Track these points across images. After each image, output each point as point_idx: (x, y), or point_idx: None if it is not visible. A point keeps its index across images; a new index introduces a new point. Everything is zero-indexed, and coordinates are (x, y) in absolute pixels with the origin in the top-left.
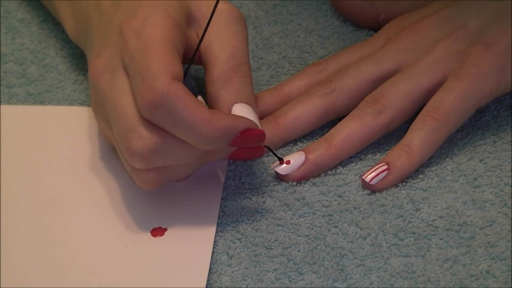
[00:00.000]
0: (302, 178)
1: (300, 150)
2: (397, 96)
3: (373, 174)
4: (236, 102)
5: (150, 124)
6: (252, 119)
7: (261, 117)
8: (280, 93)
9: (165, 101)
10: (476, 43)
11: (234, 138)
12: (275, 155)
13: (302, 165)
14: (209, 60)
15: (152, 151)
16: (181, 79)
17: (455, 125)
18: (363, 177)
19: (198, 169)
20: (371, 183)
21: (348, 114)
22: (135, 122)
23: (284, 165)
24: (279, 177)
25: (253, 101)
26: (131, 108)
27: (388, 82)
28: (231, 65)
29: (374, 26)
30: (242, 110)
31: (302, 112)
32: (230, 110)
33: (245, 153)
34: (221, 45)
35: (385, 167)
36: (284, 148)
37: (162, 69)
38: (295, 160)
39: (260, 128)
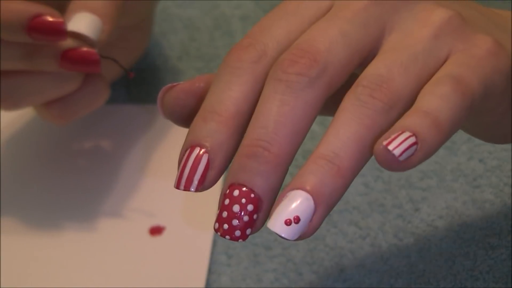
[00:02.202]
0: (315, 231)
1: (299, 189)
2: (407, 82)
3: (402, 147)
4: (80, 11)
5: None
6: (90, 32)
7: (226, 164)
8: (226, 117)
9: None
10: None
11: (30, 23)
12: (122, 67)
13: (314, 214)
14: None
15: None
16: None
17: (471, 112)
18: (390, 147)
19: (62, 91)
20: (400, 158)
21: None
22: None
23: (292, 224)
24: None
25: (107, 15)
26: None
27: (389, 58)
28: None
29: None
30: (80, 18)
31: (298, 122)
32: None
33: (76, 56)
34: None
35: (414, 139)
36: None
37: None
38: (303, 212)
39: (92, 38)
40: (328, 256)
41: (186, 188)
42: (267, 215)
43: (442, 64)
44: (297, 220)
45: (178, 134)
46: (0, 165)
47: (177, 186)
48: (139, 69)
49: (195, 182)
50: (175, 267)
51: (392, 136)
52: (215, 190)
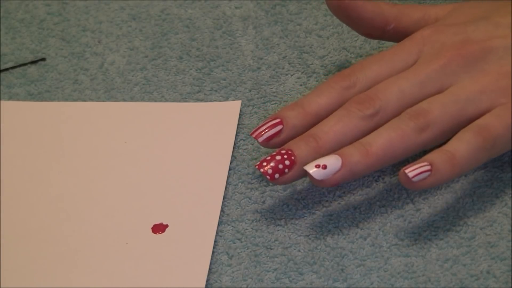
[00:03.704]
0: (335, 185)
1: (335, 154)
2: (442, 116)
3: (417, 171)
4: None
5: None
6: None
7: (289, 139)
8: (307, 112)
9: None
10: None
11: None
12: None
13: (338, 171)
14: None
15: None
16: None
17: (498, 153)
18: (406, 171)
19: None
20: (413, 179)
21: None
22: None
23: (320, 168)
24: (312, 181)
25: None
26: None
27: (433, 99)
28: None
29: (377, 36)
30: None
31: (344, 135)
32: None
33: None
34: None
35: (428, 167)
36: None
37: None
38: (331, 164)
39: None
40: (329, 256)
41: (256, 138)
42: (294, 177)
43: (483, 113)
44: (324, 167)
45: (179, 132)
46: (0, 161)
47: (252, 134)
48: (139, 69)
49: (264, 137)
50: (176, 266)
51: (413, 164)
52: (215, 191)
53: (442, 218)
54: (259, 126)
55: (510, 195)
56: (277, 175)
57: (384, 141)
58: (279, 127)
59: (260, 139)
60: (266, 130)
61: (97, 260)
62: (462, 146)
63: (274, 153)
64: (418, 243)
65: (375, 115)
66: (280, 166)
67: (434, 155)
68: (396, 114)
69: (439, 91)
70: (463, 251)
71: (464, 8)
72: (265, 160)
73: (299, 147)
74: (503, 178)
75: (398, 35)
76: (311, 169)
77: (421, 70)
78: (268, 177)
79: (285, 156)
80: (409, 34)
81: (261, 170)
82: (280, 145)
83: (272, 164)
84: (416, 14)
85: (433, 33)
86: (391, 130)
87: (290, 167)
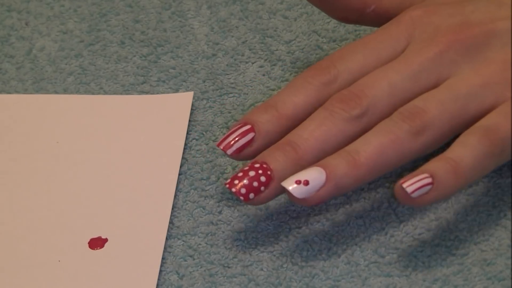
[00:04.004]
0: (320, 203)
1: (317, 165)
2: (440, 116)
3: (416, 185)
4: None
5: None
6: None
7: (263, 148)
8: (282, 114)
9: None
10: None
11: None
12: None
13: (322, 186)
14: None
15: None
16: None
17: (507, 158)
18: (404, 185)
19: None
20: (412, 195)
21: None
22: None
23: (301, 185)
24: (291, 199)
25: None
26: None
27: (429, 95)
28: None
29: (354, 20)
30: None
31: (327, 142)
32: None
33: None
34: None
35: (430, 180)
36: None
37: None
38: (314, 179)
39: None
40: (296, 276)
41: (224, 150)
42: (271, 195)
43: (487, 110)
44: (306, 183)
45: (120, 130)
46: None
47: (218, 145)
48: (73, 55)
49: (234, 148)
50: (117, 287)
51: (411, 176)
52: (163, 200)
53: (430, 231)
54: (226, 134)
55: (510, 205)
56: (251, 195)
57: (374, 148)
58: (250, 135)
59: (229, 151)
60: (236, 139)
61: (25, 280)
62: (466, 152)
63: (247, 168)
64: (401, 261)
65: (363, 116)
66: (255, 183)
67: (435, 165)
68: (387, 113)
69: (435, 84)
70: (454, 270)
71: None
72: (236, 177)
73: (276, 159)
74: (501, 184)
75: (379, 18)
76: (291, 185)
77: (414, 59)
78: (241, 197)
79: (260, 171)
80: (392, 17)
81: (233, 189)
82: (253, 156)
83: (245, 181)
84: None
85: (425, 13)
86: (381, 134)
87: (266, 184)
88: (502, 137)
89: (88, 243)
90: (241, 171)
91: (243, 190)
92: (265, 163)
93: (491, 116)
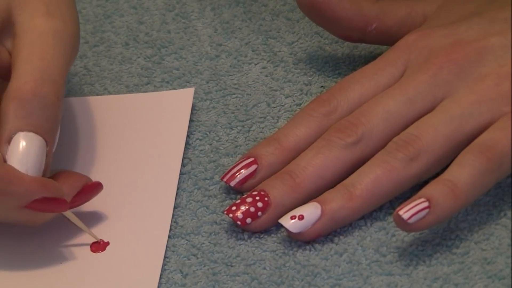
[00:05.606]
0: (317, 236)
1: (314, 201)
2: (434, 140)
3: (412, 211)
4: (22, 130)
5: None
6: (38, 156)
7: (265, 177)
8: (284, 147)
9: None
10: None
11: (31, 204)
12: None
13: (317, 220)
14: (12, 72)
15: None
16: None
17: (507, 172)
18: (400, 212)
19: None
20: (409, 221)
21: None
22: None
23: (296, 220)
24: (289, 235)
25: (48, 133)
26: None
27: (423, 121)
28: (32, 81)
29: (357, 38)
30: (27, 140)
31: (325, 169)
32: (11, 139)
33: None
34: (27, 56)
35: (426, 204)
36: None
37: None
38: (309, 214)
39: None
40: (299, 275)
41: (228, 182)
42: (269, 222)
43: (484, 127)
44: (301, 217)
45: (121, 129)
46: None
47: (222, 178)
48: (78, 56)
49: (237, 180)
50: None
51: (407, 203)
52: (165, 200)
53: (431, 231)
54: (230, 168)
55: (510, 204)
56: (249, 220)
57: (369, 180)
58: (253, 167)
59: (233, 183)
60: (241, 171)
61: (27, 283)
62: (463, 172)
63: (245, 196)
64: (402, 260)
65: (358, 142)
66: (252, 209)
67: (431, 188)
68: (384, 138)
69: (432, 106)
70: (455, 269)
71: (455, 4)
72: (234, 204)
73: (274, 187)
74: (501, 184)
75: (381, 36)
76: (287, 222)
77: (408, 84)
78: (238, 222)
79: (257, 198)
80: (394, 35)
81: (230, 215)
82: (252, 188)
83: (242, 208)
84: (401, 11)
85: (419, 37)
86: (376, 166)
87: (263, 209)
88: (499, 152)
89: (90, 246)
90: (239, 198)
91: (240, 215)
92: (263, 191)
93: (488, 132)
